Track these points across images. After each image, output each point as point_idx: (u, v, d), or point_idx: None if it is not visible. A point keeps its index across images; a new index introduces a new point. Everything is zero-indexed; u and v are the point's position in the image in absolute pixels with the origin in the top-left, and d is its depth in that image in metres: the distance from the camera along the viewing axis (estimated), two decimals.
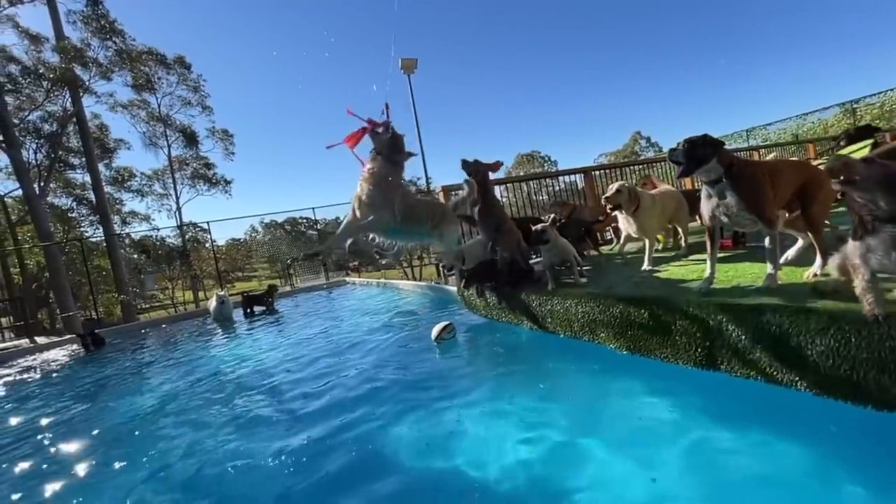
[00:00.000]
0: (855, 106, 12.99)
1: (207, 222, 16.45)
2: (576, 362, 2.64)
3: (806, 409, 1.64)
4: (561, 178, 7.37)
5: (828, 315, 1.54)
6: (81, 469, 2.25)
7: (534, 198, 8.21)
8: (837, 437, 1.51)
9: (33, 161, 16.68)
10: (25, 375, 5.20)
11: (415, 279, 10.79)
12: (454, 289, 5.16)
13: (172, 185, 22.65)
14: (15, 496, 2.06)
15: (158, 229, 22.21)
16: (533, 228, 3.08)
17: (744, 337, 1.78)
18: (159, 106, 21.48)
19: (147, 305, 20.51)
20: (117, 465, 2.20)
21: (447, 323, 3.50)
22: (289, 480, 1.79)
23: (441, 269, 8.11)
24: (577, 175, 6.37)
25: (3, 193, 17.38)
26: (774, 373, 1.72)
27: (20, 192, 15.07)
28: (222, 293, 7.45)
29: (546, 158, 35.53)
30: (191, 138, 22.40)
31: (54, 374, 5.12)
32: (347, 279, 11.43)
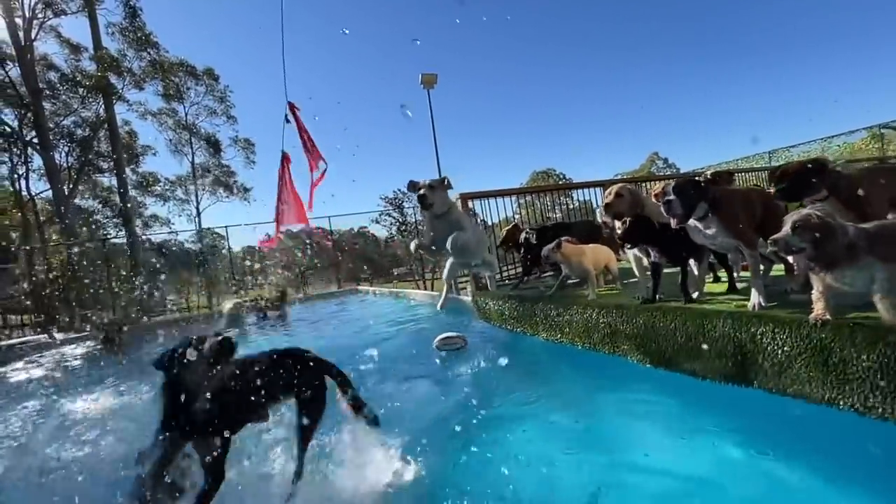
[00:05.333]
0: (883, 130, 12.69)
1: (226, 228, 16.71)
2: (594, 374, 2.54)
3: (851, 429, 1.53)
4: (575, 193, 7.29)
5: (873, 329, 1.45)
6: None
7: (548, 215, 8.15)
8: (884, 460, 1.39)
9: (64, 164, 17.35)
10: (42, 370, 5.27)
11: (426, 290, 10.74)
12: (467, 299, 5.10)
13: (194, 191, 23.23)
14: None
15: (178, 233, 22.74)
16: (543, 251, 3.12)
17: (780, 351, 1.68)
18: (186, 115, 22.23)
19: (164, 308, 20.85)
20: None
21: (456, 334, 3.43)
22: None
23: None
24: (593, 190, 6.29)
25: (34, 194, 18.05)
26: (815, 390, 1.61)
27: (50, 193, 15.66)
28: (236, 300, 7.60)
29: (561, 176, 35.51)
30: (214, 147, 23.07)
31: (69, 370, 5.18)
32: (360, 288, 11.43)
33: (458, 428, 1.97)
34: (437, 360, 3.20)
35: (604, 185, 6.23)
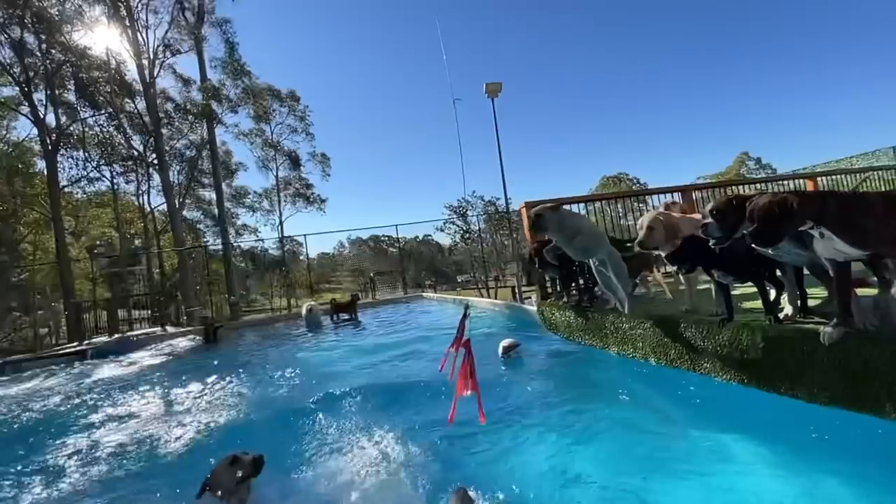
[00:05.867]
0: None
1: (304, 236, 18.18)
2: (674, 395, 2.39)
3: None
4: (651, 199, 6.88)
5: None
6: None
7: (621, 222, 7.76)
8: None
9: (176, 181, 20.09)
10: (163, 358, 6.14)
11: (489, 298, 10.72)
12: (532, 308, 5.03)
13: (277, 203, 25.53)
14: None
15: (263, 241, 25.11)
16: None
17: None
18: (272, 134, 24.61)
19: (250, 308, 23.10)
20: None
21: (514, 340, 3.47)
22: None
23: (515, 290, 7.97)
24: (672, 195, 5.88)
25: (153, 207, 21.14)
26: None
27: (164, 206, 18.23)
28: (311, 303, 8.25)
29: (634, 181, 33.51)
30: (295, 162, 25.22)
31: (182, 357, 5.99)
32: (424, 294, 11.74)
33: (509, 445, 1.97)
34: (502, 369, 3.22)
35: (684, 190, 5.83)
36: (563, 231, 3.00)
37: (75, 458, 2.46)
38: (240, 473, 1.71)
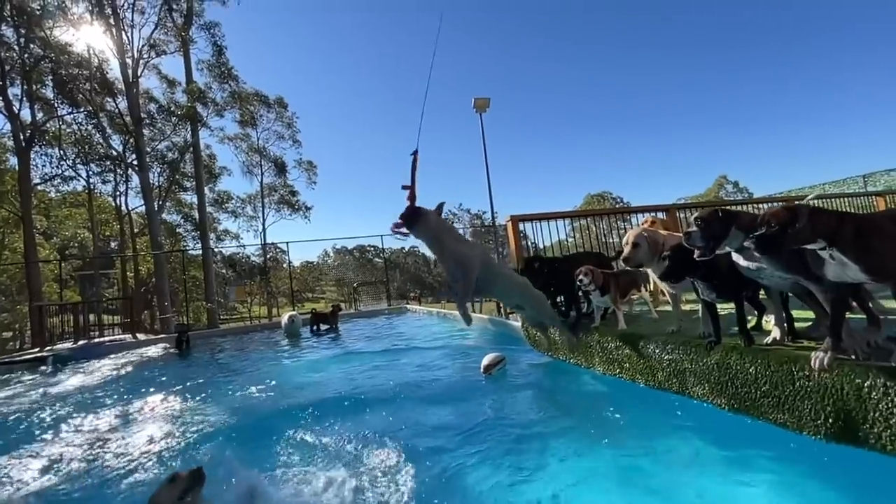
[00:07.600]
0: None
1: (287, 243, 17.86)
2: (654, 417, 2.31)
3: None
4: (634, 218, 6.95)
5: None
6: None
7: (604, 240, 7.80)
8: None
9: (156, 183, 19.55)
10: (128, 367, 5.81)
11: (474, 312, 10.62)
12: (516, 324, 4.96)
13: (261, 209, 25.10)
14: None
15: (245, 246, 24.55)
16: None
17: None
18: (258, 139, 24.30)
19: (228, 316, 22.44)
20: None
21: (499, 355, 3.38)
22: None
23: (499, 305, 7.90)
24: (655, 215, 5.94)
25: (131, 209, 20.49)
26: None
27: (143, 208, 17.68)
28: (293, 313, 8.04)
29: (618, 200, 34.21)
30: (281, 168, 24.89)
31: (147, 366, 5.68)
32: (408, 306, 11.56)
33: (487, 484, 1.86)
34: (483, 386, 3.11)
35: (668, 209, 5.89)
36: (443, 255, 2.17)
37: (19, 471, 2.27)
38: (180, 490, 1.61)
